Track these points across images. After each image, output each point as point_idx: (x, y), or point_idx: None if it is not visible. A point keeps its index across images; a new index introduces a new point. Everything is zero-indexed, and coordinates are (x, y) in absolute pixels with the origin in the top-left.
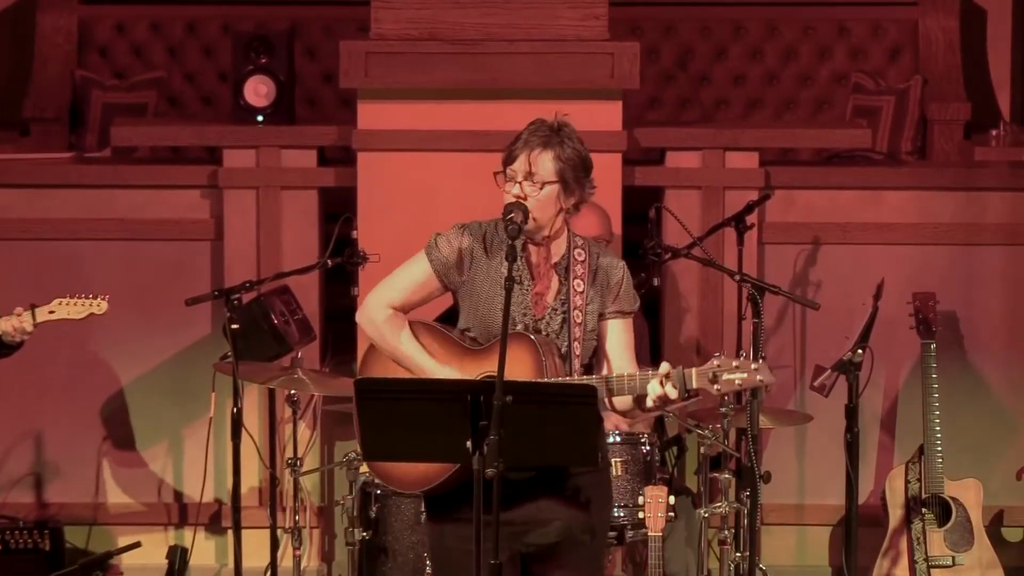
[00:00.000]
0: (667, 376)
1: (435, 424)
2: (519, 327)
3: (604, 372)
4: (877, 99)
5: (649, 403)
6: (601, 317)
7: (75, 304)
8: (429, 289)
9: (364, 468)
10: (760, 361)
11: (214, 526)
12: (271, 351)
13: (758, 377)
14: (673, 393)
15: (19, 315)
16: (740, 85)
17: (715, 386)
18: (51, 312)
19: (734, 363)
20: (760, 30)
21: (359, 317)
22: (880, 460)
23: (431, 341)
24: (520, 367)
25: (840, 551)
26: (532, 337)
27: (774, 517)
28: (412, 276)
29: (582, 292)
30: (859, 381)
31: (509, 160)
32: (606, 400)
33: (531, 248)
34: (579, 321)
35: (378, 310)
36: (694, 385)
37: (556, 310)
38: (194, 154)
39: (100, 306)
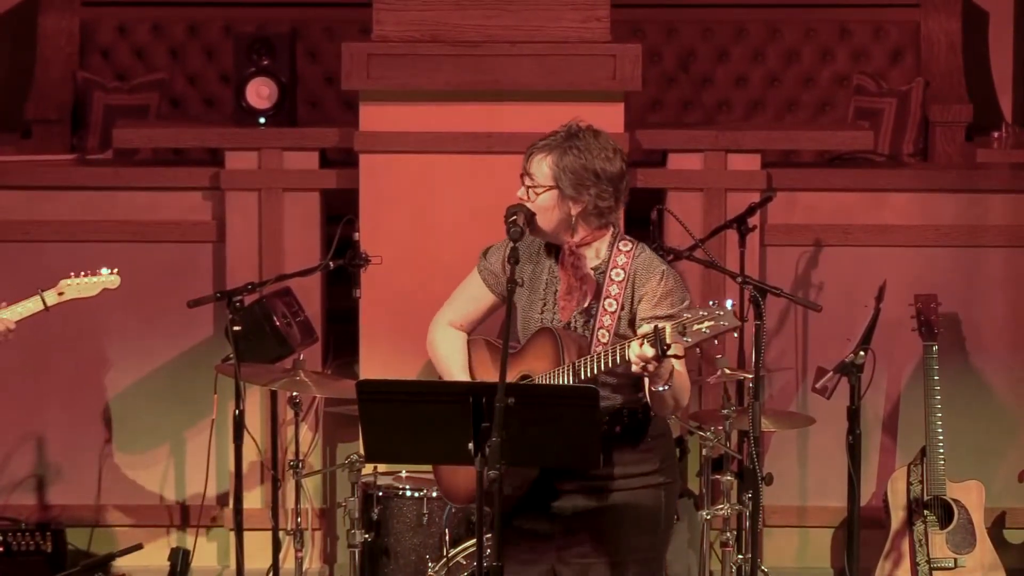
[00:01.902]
0: (646, 336)
1: (437, 426)
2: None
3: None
4: (879, 101)
5: (635, 368)
6: (631, 323)
7: (85, 283)
8: (484, 301)
9: (366, 470)
10: (728, 306)
11: (216, 528)
12: (273, 353)
13: (724, 323)
14: (650, 352)
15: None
16: (742, 87)
17: (685, 338)
18: (60, 294)
19: (702, 312)
20: (762, 32)
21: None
22: (882, 462)
23: (481, 352)
24: (541, 362)
25: (842, 553)
26: (553, 329)
27: (776, 519)
28: (466, 290)
29: (613, 312)
30: (861, 383)
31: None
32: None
33: (562, 252)
34: (604, 340)
35: (435, 326)
36: (667, 339)
37: (582, 315)
38: (196, 156)
39: (113, 281)
